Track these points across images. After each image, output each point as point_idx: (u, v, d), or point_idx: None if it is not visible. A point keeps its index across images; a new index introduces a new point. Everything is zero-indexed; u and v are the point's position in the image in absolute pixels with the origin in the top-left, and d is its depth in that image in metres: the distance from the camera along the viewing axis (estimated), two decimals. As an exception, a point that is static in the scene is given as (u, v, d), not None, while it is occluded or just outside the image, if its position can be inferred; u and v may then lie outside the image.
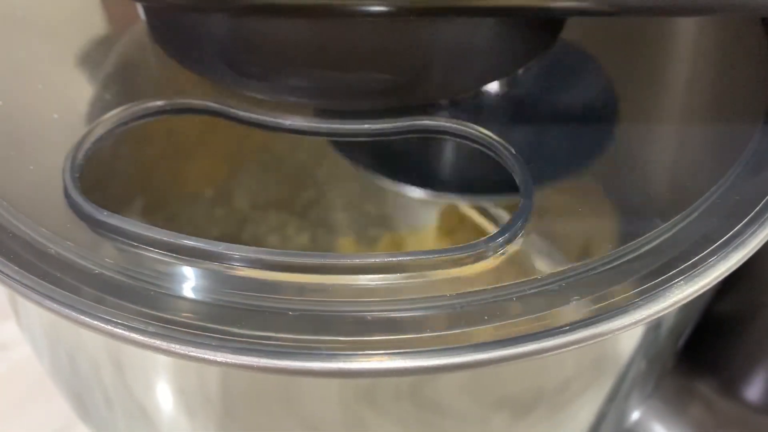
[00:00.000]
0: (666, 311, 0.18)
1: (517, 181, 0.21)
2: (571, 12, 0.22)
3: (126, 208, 0.23)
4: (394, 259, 0.18)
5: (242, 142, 0.26)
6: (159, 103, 0.22)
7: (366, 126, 0.22)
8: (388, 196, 0.25)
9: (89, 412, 0.28)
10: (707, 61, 0.26)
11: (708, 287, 0.18)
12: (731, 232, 0.19)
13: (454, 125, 0.22)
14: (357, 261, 0.18)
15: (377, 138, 0.22)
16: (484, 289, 0.18)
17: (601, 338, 0.17)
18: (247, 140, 0.26)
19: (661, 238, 0.19)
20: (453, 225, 0.24)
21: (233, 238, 0.25)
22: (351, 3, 0.20)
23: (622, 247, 0.19)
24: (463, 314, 0.17)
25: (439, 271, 0.18)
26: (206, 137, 0.25)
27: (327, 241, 0.26)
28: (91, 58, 0.25)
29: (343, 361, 0.16)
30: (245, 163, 0.26)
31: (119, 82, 0.24)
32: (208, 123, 0.23)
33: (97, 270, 0.18)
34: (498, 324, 0.17)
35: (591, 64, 0.26)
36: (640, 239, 0.19)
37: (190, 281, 0.18)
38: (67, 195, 0.20)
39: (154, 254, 0.18)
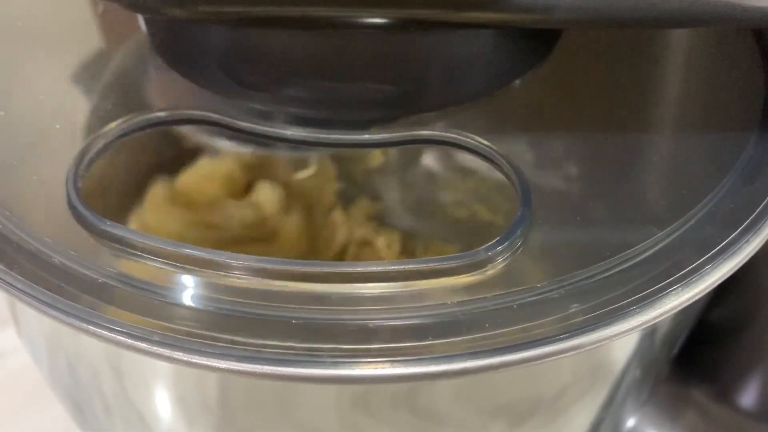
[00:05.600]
0: (662, 318, 0.18)
1: (515, 189, 0.21)
2: (566, 24, 0.22)
3: (129, 217, 0.24)
4: (395, 267, 0.18)
5: (242, 151, 0.26)
6: (161, 113, 0.23)
7: (366, 136, 0.22)
8: (386, 204, 0.25)
9: (88, 419, 0.28)
10: (701, 71, 0.26)
11: (703, 294, 0.18)
12: (726, 240, 0.19)
13: (454, 135, 0.22)
14: (359, 269, 0.18)
15: (377, 148, 0.23)
16: (485, 297, 0.18)
17: (598, 344, 0.17)
18: (247, 149, 0.26)
19: (658, 246, 0.19)
20: (451, 234, 0.25)
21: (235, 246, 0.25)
22: (347, 15, 0.20)
23: (619, 255, 0.19)
24: (464, 322, 0.17)
25: (440, 279, 0.18)
26: (207, 147, 0.25)
27: (325, 248, 0.26)
28: (92, 68, 0.25)
29: (346, 369, 0.16)
30: (246, 171, 0.26)
31: (120, 92, 0.24)
32: (209, 133, 0.23)
33: (101, 279, 0.18)
34: (499, 331, 0.17)
35: (586, 74, 0.26)
36: (637, 247, 0.19)
37: (192, 290, 0.18)
38: (70, 205, 0.20)
39: (157, 263, 0.19)
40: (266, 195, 0.25)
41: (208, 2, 0.20)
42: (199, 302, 0.18)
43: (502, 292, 0.18)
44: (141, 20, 0.25)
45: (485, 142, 0.22)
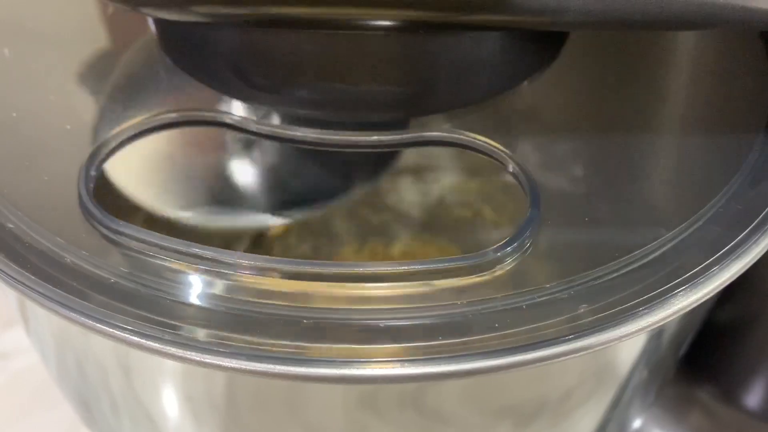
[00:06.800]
0: (669, 319, 0.18)
1: (524, 191, 0.21)
2: (575, 26, 0.22)
3: (139, 217, 0.24)
4: (405, 267, 0.18)
5: (251, 152, 0.26)
6: (172, 114, 0.23)
7: (375, 137, 0.22)
8: (394, 205, 0.25)
9: (95, 418, 0.28)
10: (708, 73, 0.27)
11: (710, 296, 0.19)
12: (733, 242, 0.19)
13: (462, 136, 0.22)
14: (369, 269, 0.18)
15: (386, 149, 0.23)
16: (494, 298, 0.18)
17: (606, 345, 0.17)
18: (256, 151, 0.26)
19: (665, 248, 0.19)
20: (460, 235, 0.25)
21: (246, 247, 0.25)
22: (357, 18, 0.20)
23: (627, 256, 0.19)
24: (473, 322, 0.17)
25: (450, 280, 0.18)
26: (217, 148, 0.26)
27: (331, 250, 0.26)
28: (102, 70, 0.25)
29: (356, 369, 0.16)
30: (254, 173, 0.26)
31: (130, 94, 0.24)
32: (219, 134, 0.23)
33: (113, 279, 0.18)
34: (508, 331, 0.17)
35: (594, 76, 0.26)
36: (644, 248, 0.19)
37: (203, 290, 0.18)
38: (81, 205, 0.20)
39: (168, 263, 0.19)
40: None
41: (214, 3, 0.20)
42: (210, 302, 0.18)
43: (510, 293, 0.18)
44: (150, 22, 0.25)
45: (494, 144, 0.22)
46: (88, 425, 0.30)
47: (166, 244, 0.19)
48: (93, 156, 0.21)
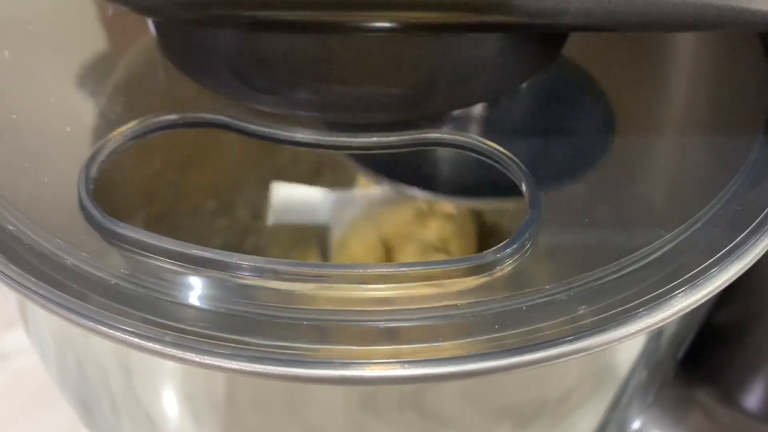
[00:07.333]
0: (668, 320, 0.18)
1: (524, 192, 0.21)
2: (573, 28, 0.22)
3: (140, 219, 0.24)
4: (404, 269, 0.18)
5: (252, 154, 0.26)
6: (172, 116, 0.23)
7: (374, 139, 0.22)
8: (395, 208, 0.25)
9: (95, 419, 0.28)
10: (707, 74, 0.27)
11: (709, 297, 0.19)
12: (733, 243, 0.19)
13: (462, 138, 0.22)
14: (369, 271, 0.18)
15: (385, 151, 0.23)
16: (493, 299, 0.18)
17: (605, 347, 0.17)
18: (257, 153, 0.26)
19: (664, 249, 0.19)
20: (460, 237, 0.25)
21: (247, 248, 0.25)
22: (357, 19, 0.20)
23: (626, 257, 0.19)
24: (473, 323, 0.17)
25: (450, 281, 0.18)
26: (217, 150, 0.26)
27: (331, 251, 0.26)
28: (102, 71, 0.25)
29: (357, 370, 0.16)
30: (256, 174, 0.26)
31: (131, 95, 0.24)
32: (219, 136, 0.23)
33: (113, 281, 0.18)
34: (507, 333, 0.17)
35: (593, 77, 0.26)
36: (644, 249, 0.19)
37: (204, 291, 0.18)
38: (82, 207, 0.20)
39: (169, 265, 0.19)
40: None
41: (216, 6, 0.20)
42: (210, 303, 0.18)
43: (510, 294, 0.18)
44: (150, 23, 0.25)
45: (493, 145, 0.22)
46: (88, 426, 0.30)
47: (166, 246, 0.19)
48: (93, 157, 0.21)
